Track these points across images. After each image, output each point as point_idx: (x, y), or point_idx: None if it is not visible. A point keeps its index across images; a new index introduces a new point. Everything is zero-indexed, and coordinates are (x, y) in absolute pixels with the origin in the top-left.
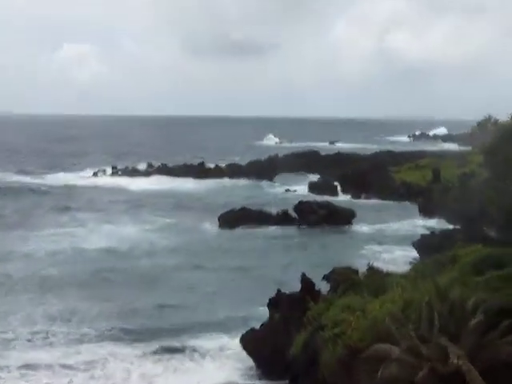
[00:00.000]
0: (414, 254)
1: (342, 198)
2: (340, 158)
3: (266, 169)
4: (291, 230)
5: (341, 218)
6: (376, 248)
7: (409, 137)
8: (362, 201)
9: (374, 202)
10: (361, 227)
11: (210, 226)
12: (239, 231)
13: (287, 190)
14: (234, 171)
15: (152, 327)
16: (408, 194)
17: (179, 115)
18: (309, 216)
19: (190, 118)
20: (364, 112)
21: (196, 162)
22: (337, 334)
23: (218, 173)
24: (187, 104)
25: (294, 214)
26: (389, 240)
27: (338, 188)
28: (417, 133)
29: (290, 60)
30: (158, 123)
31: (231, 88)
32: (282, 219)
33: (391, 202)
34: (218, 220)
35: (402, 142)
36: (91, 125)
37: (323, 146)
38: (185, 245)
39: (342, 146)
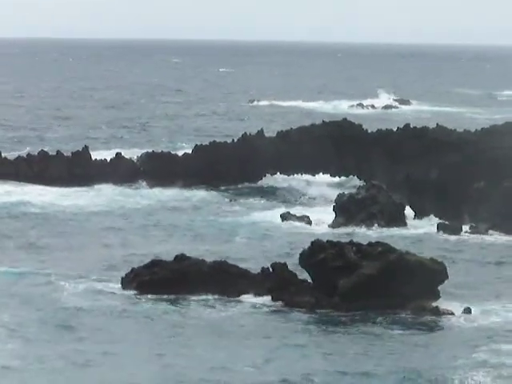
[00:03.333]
0: None
1: (419, 231)
2: (411, 141)
3: (224, 167)
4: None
5: (414, 283)
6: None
7: None
8: (465, 237)
9: (489, 239)
10: (463, 310)
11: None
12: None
13: (285, 219)
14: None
15: None
16: None
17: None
18: (332, 276)
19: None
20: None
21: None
22: None
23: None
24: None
25: (298, 273)
26: None
27: (407, 210)
28: None
29: None
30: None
31: None
32: (273, 284)
33: None
34: (122, 284)
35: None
36: None
37: (368, 115)
38: None
39: (414, 108)
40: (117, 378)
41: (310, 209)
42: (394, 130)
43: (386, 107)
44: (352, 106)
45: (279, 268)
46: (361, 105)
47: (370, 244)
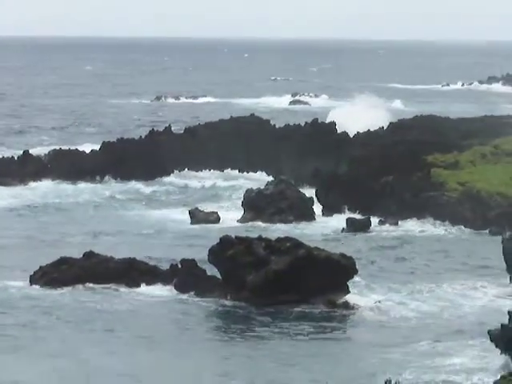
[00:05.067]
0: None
1: (328, 226)
2: (316, 136)
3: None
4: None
5: (323, 278)
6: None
7: (464, 85)
8: (374, 231)
9: (399, 232)
10: (373, 303)
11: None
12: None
13: (193, 215)
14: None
15: None
16: (484, 220)
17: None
18: (241, 271)
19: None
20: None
21: None
22: None
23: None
24: None
25: (208, 268)
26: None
27: (316, 205)
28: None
29: None
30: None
31: None
32: (181, 280)
33: (442, 233)
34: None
35: (451, 92)
36: None
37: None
38: None
39: (318, 102)
40: None
41: (219, 205)
42: (302, 125)
43: (294, 102)
44: (258, 102)
45: (188, 264)
46: (268, 100)
47: (278, 239)
